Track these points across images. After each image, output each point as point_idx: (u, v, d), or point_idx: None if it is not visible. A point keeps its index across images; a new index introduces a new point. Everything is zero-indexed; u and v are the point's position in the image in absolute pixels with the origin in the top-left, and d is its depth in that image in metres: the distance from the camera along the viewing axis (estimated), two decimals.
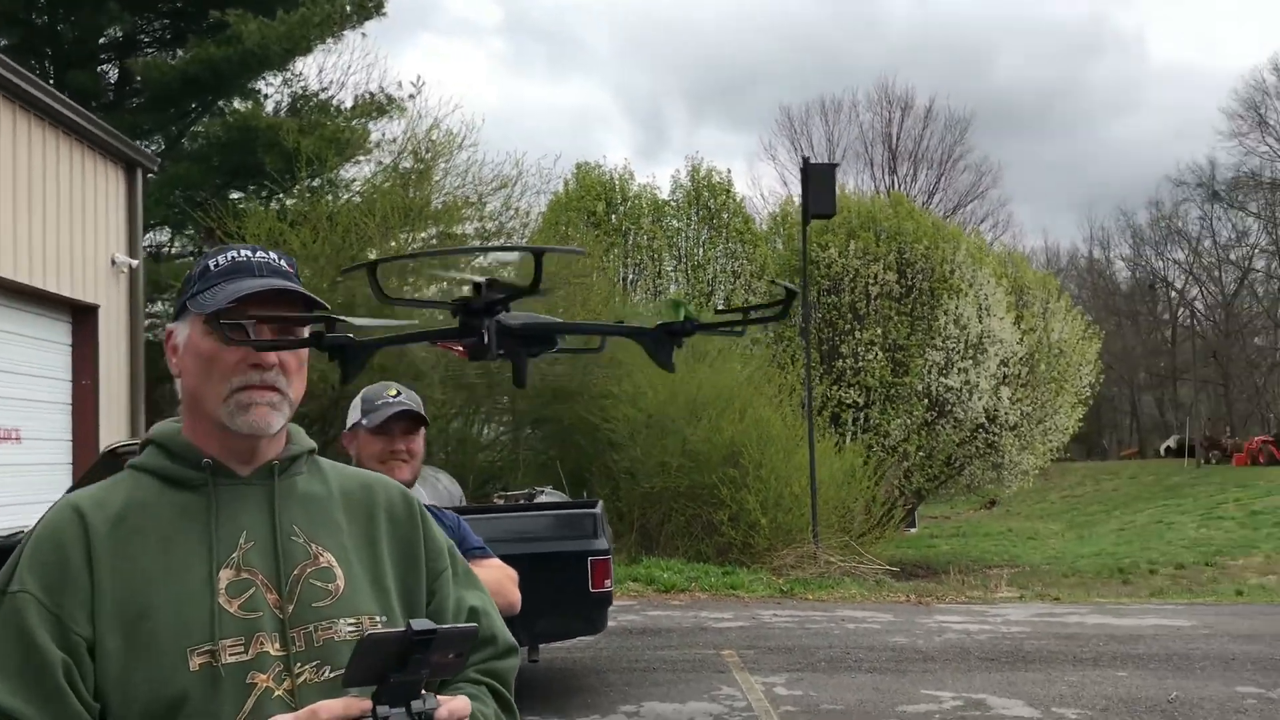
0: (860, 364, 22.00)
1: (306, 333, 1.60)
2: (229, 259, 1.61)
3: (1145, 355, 55.46)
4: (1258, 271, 50.86)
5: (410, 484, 2.98)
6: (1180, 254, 53.86)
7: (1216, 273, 52.32)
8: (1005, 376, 22.90)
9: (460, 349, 2.21)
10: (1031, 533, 29.59)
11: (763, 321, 2.07)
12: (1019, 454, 23.59)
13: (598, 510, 7.85)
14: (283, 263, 1.64)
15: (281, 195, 16.49)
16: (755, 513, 15.34)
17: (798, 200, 22.02)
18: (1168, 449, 48.00)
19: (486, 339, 1.83)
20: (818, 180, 13.83)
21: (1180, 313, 56.23)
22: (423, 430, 3.13)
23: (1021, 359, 23.24)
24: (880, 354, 22.13)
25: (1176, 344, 55.68)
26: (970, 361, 22.18)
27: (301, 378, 1.63)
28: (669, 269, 24.09)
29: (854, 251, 22.43)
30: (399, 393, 3.12)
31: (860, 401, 21.92)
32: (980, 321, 22.19)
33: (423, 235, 15.44)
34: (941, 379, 22.07)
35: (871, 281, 22.26)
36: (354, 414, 3.14)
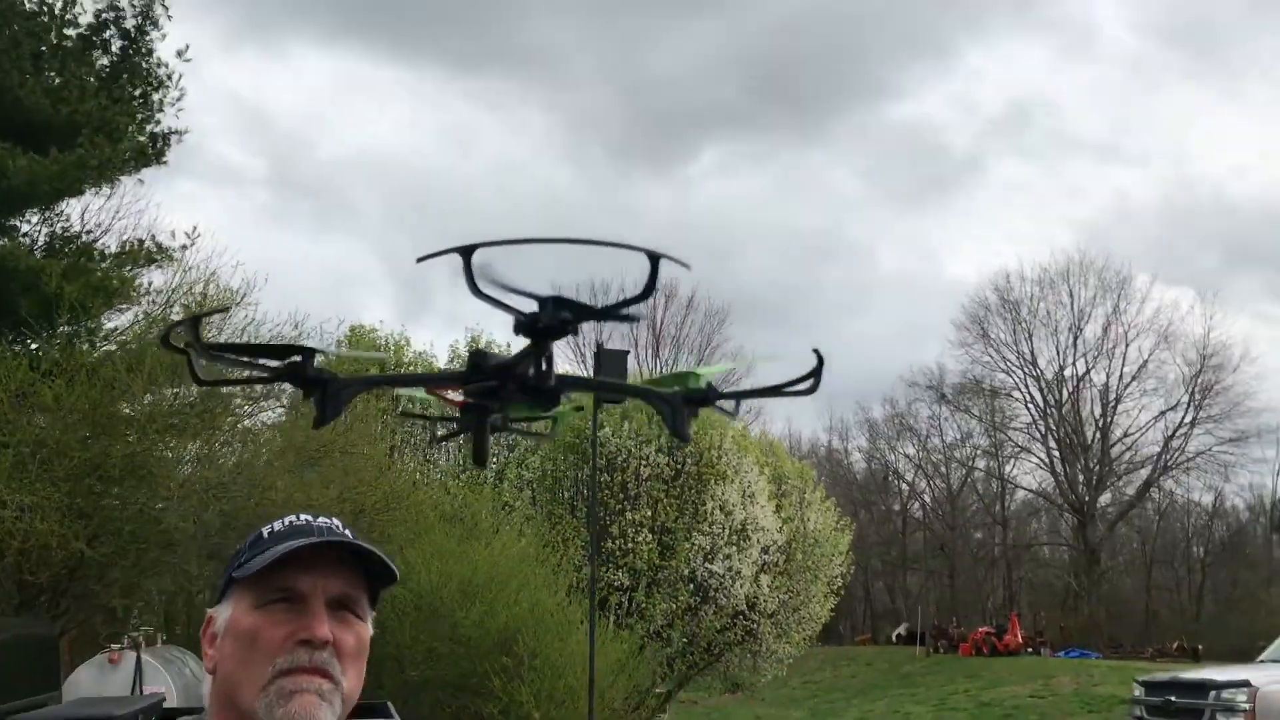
0: (630, 545, 22.00)
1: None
2: (286, 524, 1.43)
3: (879, 544, 58.23)
4: (979, 470, 54.88)
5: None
6: (911, 449, 57.52)
7: (943, 469, 56.05)
8: (765, 564, 23.45)
9: (457, 399, 1.97)
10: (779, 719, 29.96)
11: (795, 394, 1.91)
12: (775, 641, 24.00)
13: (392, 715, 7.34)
14: (346, 531, 1.43)
15: (35, 344, 15.24)
16: (528, 705, 14.77)
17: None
18: (899, 636, 50.00)
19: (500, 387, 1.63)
20: (610, 365, 14.00)
21: (911, 504, 59.64)
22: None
23: (780, 547, 23.90)
24: (649, 536, 22.25)
25: (907, 534, 58.82)
26: (734, 548, 22.60)
27: (359, 668, 1.40)
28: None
29: (627, 432, 22.69)
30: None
31: (628, 584, 21.85)
32: (744, 509, 22.76)
33: (193, 395, 14.52)
34: (707, 564, 22.35)
35: (644, 463, 22.52)
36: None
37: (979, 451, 53.56)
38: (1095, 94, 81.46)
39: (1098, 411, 48.71)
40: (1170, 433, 47.14)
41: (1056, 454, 48.83)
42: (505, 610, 15.49)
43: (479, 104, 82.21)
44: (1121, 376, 47.62)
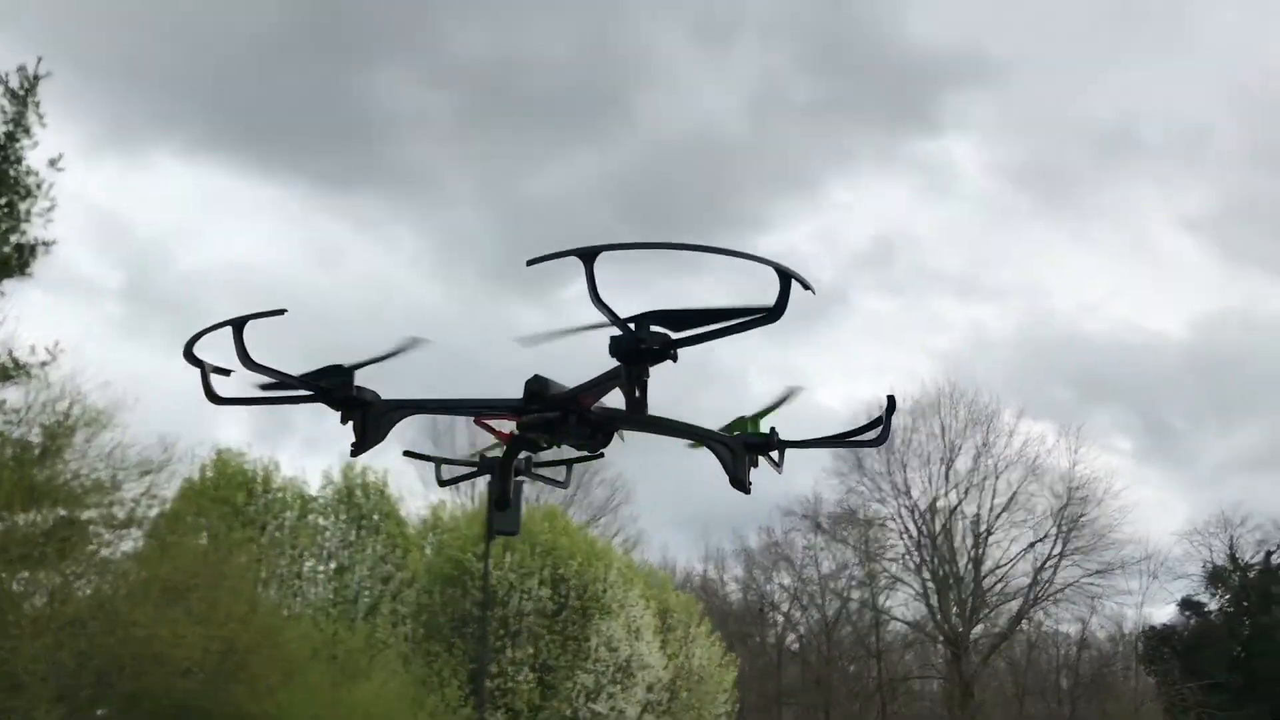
0: (509, 684, 21.07)
1: None
2: None
3: (754, 677, 57.53)
4: (854, 601, 54.93)
5: None
6: (787, 579, 57.40)
7: (819, 600, 55.97)
8: (649, 703, 22.72)
9: (505, 430, 1.82)
10: None
11: (863, 445, 1.81)
12: None
13: None
14: None
15: None
16: None
17: (451, 506, 21.44)
18: None
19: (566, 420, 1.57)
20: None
21: (787, 636, 59.24)
22: None
23: (665, 685, 23.23)
24: (530, 674, 21.37)
25: (783, 667, 58.24)
26: (619, 686, 21.86)
27: None
28: (310, 569, 22.49)
29: (510, 564, 21.98)
30: None
31: None
32: (630, 644, 22.11)
33: (48, 522, 13.46)
34: (590, 704, 21.52)
35: (526, 597, 21.76)
36: None
37: (855, 582, 53.74)
38: (954, 231, 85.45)
39: (970, 543, 49.49)
40: (1040, 564, 48.11)
41: (930, 585, 49.25)
42: None
43: (347, 221, 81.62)
44: (992, 508, 48.64)
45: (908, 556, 49.95)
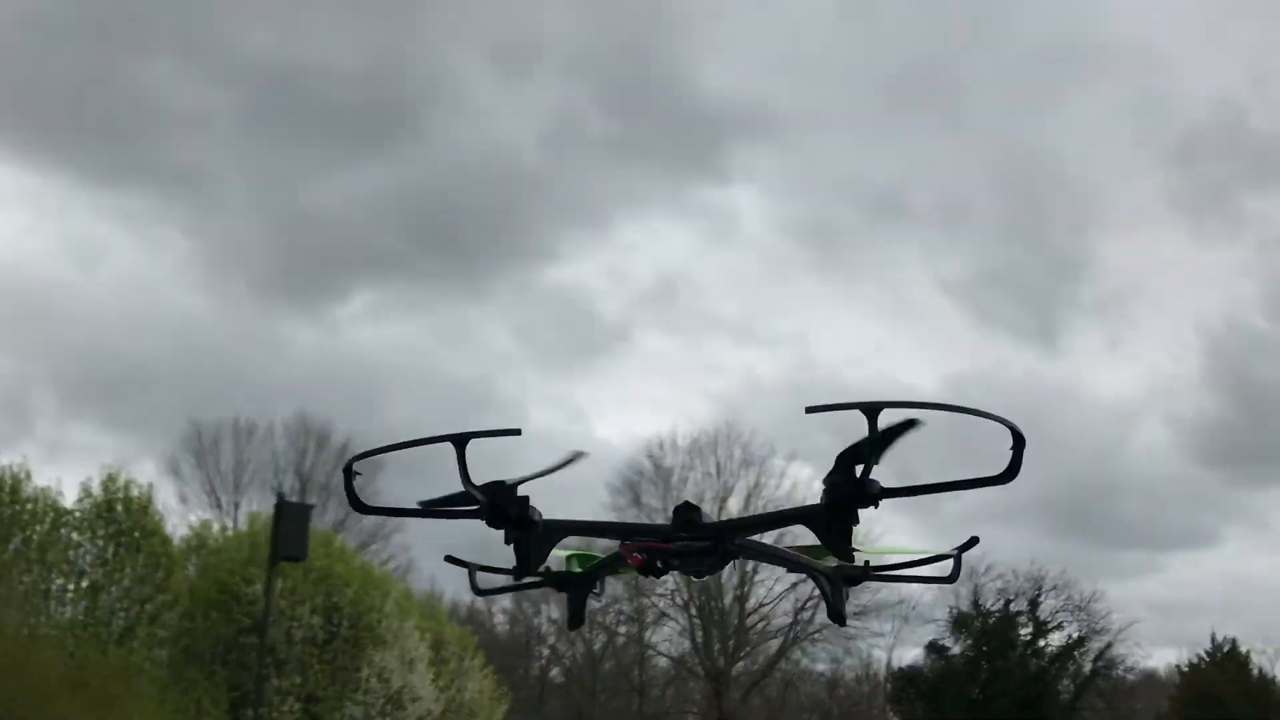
0: (274, 714, 20.14)
1: None
2: None
3: (517, 709, 57.11)
4: (620, 636, 55.42)
5: None
6: (555, 613, 57.37)
7: (586, 634, 56.18)
8: None
9: (638, 556, 1.86)
10: None
11: (935, 581, 1.91)
12: None
13: None
14: None
15: None
16: None
17: (218, 526, 20.46)
18: None
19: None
20: (290, 519, 12.90)
21: (551, 670, 59.15)
22: None
23: (436, 717, 22.75)
24: (295, 705, 20.51)
25: (546, 699, 58.09)
26: (388, 718, 21.26)
27: None
28: (60, 586, 20.92)
29: (281, 590, 21.06)
30: None
31: None
32: (403, 676, 21.56)
33: None
34: None
35: (296, 624, 20.91)
36: None
37: (623, 617, 54.22)
38: (734, 278, 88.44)
39: (735, 581, 50.81)
40: (800, 605, 49.84)
41: (697, 621, 50.26)
42: None
43: (113, 219, 77.02)
44: None
45: (676, 593, 50.81)
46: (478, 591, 3.46)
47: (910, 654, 55.68)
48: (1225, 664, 54.92)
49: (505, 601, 61.26)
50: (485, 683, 25.05)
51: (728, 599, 51.02)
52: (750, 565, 51.03)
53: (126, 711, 15.71)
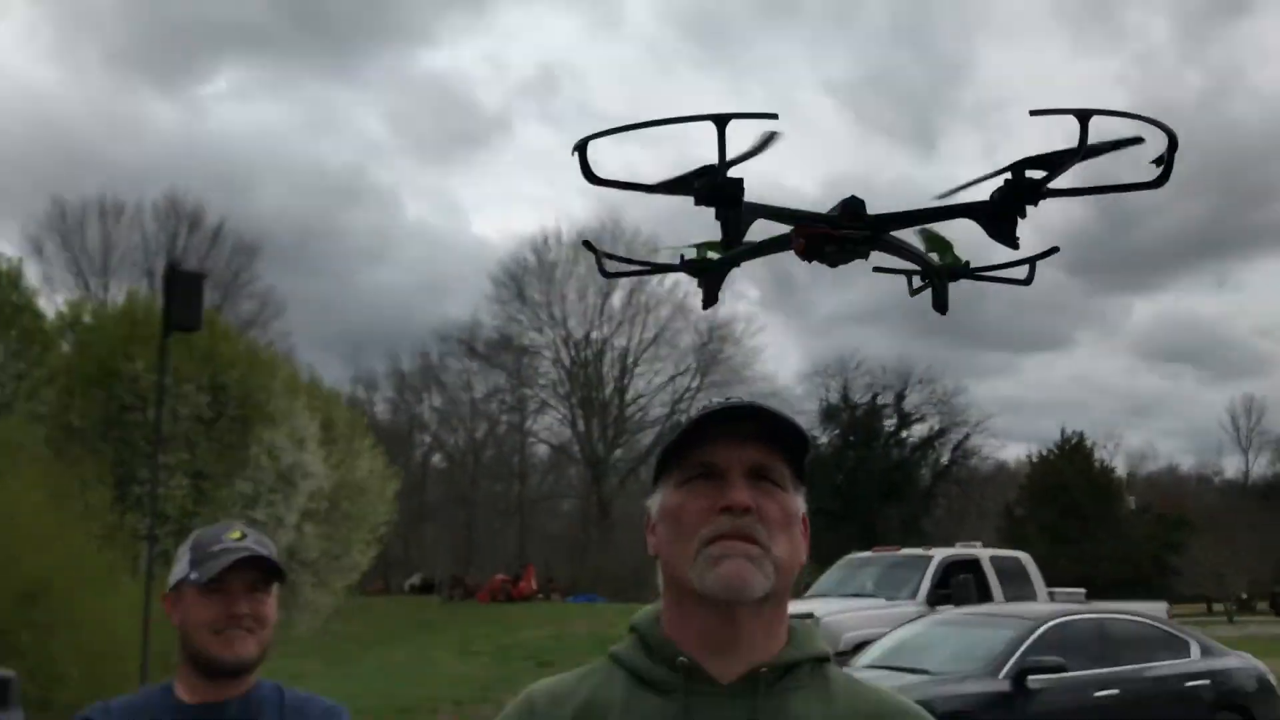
0: (163, 491, 20.11)
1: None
2: (700, 410, 1.42)
3: (399, 494, 58.16)
4: (502, 424, 56.47)
5: (257, 661, 2.13)
6: (438, 401, 57.93)
7: (469, 422, 57.05)
8: (309, 511, 22.49)
9: (801, 241, 2.17)
10: (295, 671, 28.89)
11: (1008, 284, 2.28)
12: (314, 591, 23.15)
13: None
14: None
15: None
16: (63, 663, 13.00)
17: (93, 303, 19.85)
18: (413, 586, 50.32)
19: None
20: (184, 289, 12.51)
21: (433, 456, 60.13)
22: (275, 587, 2.19)
23: (326, 494, 23.04)
24: (184, 480, 20.50)
25: (428, 485, 59.28)
26: (279, 495, 21.44)
27: (791, 538, 1.37)
28: None
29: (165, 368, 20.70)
30: (244, 535, 2.16)
31: (158, 533, 19.97)
32: (294, 454, 21.64)
33: None
34: (247, 511, 20.99)
35: (182, 402, 20.66)
36: (179, 566, 2.16)
37: (505, 406, 55.14)
38: (619, 71, 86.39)
39: (617, 373, 51.91)
40: (679, 396, 51.32)
41: (578, 411, 51.42)
42: (31, 558, 13.50)
43: None
44: (640, 342, 51.06)
45: (558, 384, 51.73)
46: (605, 274, 3.63)
47: None
48: (1072, 455, 58.88)
49: (388, 390, 61.54)
50: (375, 462, 25.35)
51: (608, 390, 52.21)
52: (630, 360, 52.13)
53: (8, 485, 15.44)
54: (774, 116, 2.67)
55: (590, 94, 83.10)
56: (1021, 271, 2.55)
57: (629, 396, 52.21)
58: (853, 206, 2.07)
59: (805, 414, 57.38)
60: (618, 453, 52.56)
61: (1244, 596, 54.15)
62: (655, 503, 1.42)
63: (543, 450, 56.85)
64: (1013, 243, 1.97)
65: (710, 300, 2.40)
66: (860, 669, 9.64)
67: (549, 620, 35.09)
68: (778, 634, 1.36)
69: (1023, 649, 9.08)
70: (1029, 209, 2.09)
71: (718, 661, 1.33)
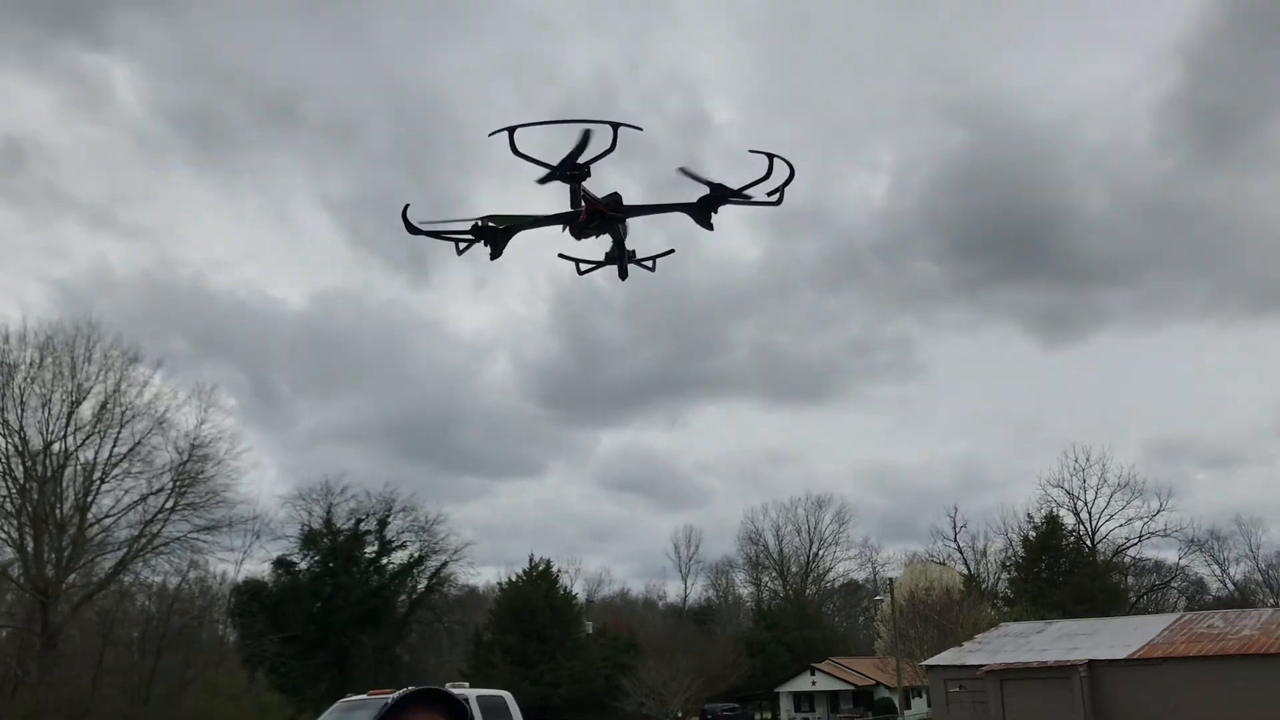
0: None
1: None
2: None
3: None
4: None
5: None
6: None
7: None
8: None
9: (585, 212, 4.44)
10: None
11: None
12: None
13: None
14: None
15: None
16: None
17: None
18: None
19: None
20: None
21: None
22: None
23: None
24: None
25: None
26: None
27: None
28: None
29: None
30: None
31: None
32: None
33: None
34: None
35: None
36: None
37: None
38: (99, 155, 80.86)
39: (79, 489, 47.67)
40: (150, 516, 48.07)
41: (29, 530, 46.32)
42: None
43: None
44: (112, 456, 47.43)
45: (8, 500, 46.46)
46: (411, 229, 5.07)
47: (260, 569, 56.18)
48: (539, 581, 62.56)
49: None
50: None
51: (67, 505, 47.68)
52: (97, 475, 47.95)
53: None
54: (639, 129, 4.99)
55: (61, 175, 76.88)
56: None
57: (92, 515, 48.02)
58: (616, 198, 4.13)
59: (286, 539, 56.03)
60: (73, 578, 47.87)
61: (679, 715, 60.04)
62: None
63: None
64: (708, 225, 4.51)
65: (496, 254, 5.03)
66: None
67: None
68: None
69: None
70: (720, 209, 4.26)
71: None
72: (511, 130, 4.20)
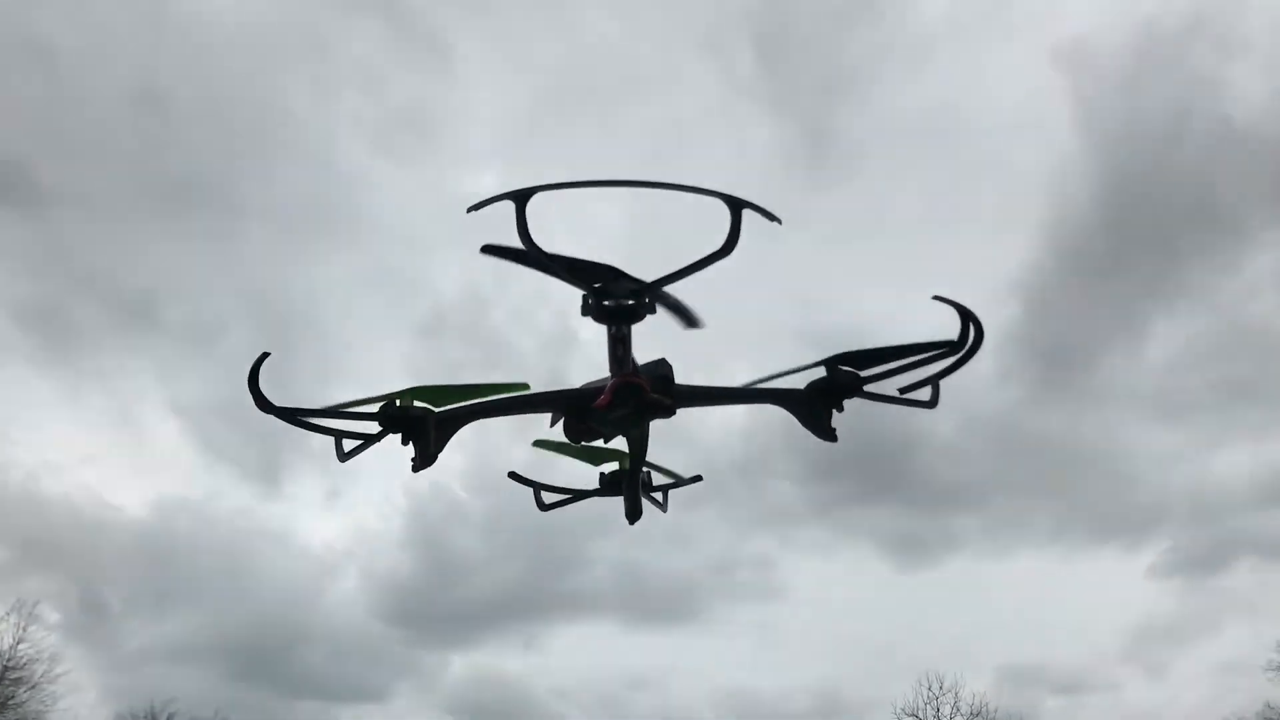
0: None
1: None
2: None
3: None
4: None
5: None
6: None
7: None
8: None
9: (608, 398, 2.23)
10: None
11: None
12: None
13: None
14: None
15: None
16: None
17: None
18: None
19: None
20: None
21: None
22: None
23: None
24: None
25: None
26: None
27: None
28: None
29: None
30: None
31: None
32: None
33: None
34: None
35: None
36: None
37: None
38: None
39: None
40: None
41: None
42: None
43: None
44: None
45: None
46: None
47: None
48: None
49: None
50: None
51: None
52: None
53: None
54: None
55: None
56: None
57: None
58: (667, 370, 2.03)
59: None
60: None
61: None
62: None
63: None
64: (830, 436, 2.06)
65: (425, 462, 3.10)
66: None
67: None
68: None
69: None
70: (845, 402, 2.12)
71: None
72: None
